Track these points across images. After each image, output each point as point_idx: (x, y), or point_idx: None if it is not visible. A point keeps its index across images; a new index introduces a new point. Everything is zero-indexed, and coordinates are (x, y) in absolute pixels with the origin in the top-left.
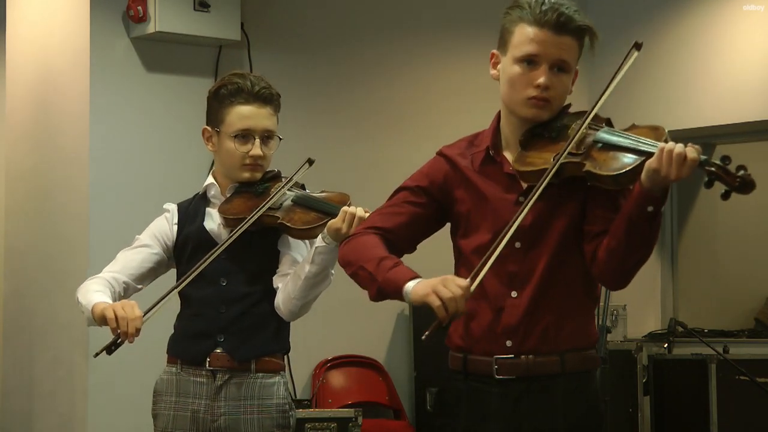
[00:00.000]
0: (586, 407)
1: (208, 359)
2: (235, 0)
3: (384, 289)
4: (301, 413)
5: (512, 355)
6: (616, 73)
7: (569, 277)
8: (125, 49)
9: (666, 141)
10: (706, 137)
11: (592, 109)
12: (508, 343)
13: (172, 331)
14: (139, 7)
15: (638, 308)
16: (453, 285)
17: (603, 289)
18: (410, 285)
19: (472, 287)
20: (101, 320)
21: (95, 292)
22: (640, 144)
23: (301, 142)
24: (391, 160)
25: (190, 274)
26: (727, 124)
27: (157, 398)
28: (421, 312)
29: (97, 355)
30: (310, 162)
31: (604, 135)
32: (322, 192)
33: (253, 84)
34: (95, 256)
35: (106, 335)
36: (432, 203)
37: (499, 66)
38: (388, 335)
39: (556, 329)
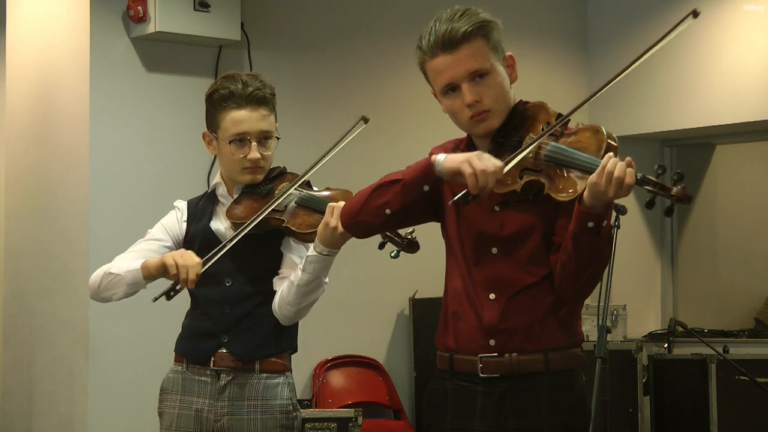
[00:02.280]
0: (571, 406)
1: (212, 359)
2: (235, 0)
3: (409, 181)
4: (301, 413)
5: (496, 354)
6: (654, 43)
7: (550, 280)
8: (125, 49)
9: (608, 145)
10: (706, 137)
11: (551, 127)
12: (492, 342)
13: (173, 332)
14: (139, 7)
15: (638, 308)
16: (488, 160)
17: (603, 289)
18: (440, 157)
19: (505, 168)
20: (160, 269)
21: (130, 261)
22: (592, 164)
23: (301, 142)
24: (392, 158)
25: (240, 232)
26: (727, 124)
27: (163, 396)
28: (421, 312)
29: (156, 299)
30: (365, 120)
31: (555, 151)
32: (326, 189)
33: (245, 86)
34: (95, 255)
35: (106, 334)
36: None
37: (440, 102)
38: (388, 335)
39: (540, 328)
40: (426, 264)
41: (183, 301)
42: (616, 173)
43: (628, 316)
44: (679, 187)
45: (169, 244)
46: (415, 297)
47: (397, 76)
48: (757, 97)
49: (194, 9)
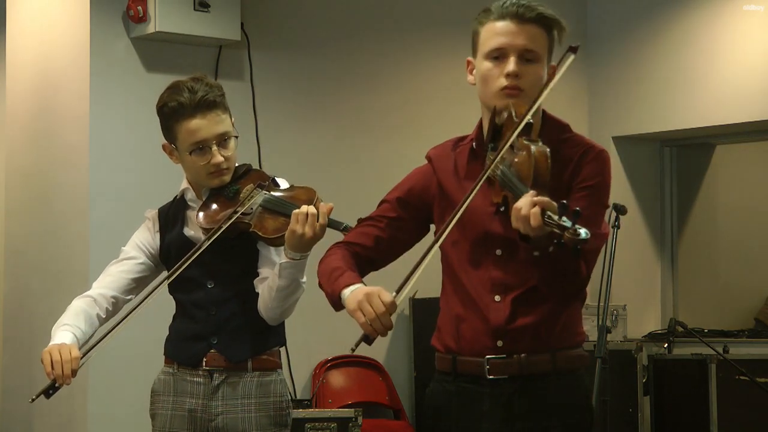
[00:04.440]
0: (577, 406)
1: (204, 359)
2: (235, 0)
3: (333, 300)
4: (301, 413)
5: (504, 355)
6: (551, 78)
7: None
8: (125, 49)
9: (534, 173)
10: (706, 137)
11: (527, 112)
12: (499, 343)
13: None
14: (139, 7)
15: (638, 308)
16: (377, 302)
17: (603, 289)
18: (345, 293)
19: (398, 301)
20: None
21: (63, 326)
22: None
23: (300, 142)
24: (391, 158)
25: (145, 299)
26: (727, 124)
27: (155, 398)
28: (421, 312)
29: (33, 400)
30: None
31: (505, 175)
32: (291, 187)
33: (192, 93)
34: (95, 256)
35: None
36: (411, 215)
37: (474, 71)
38: (388, 335)
39: (547, 328)
40: (426, 264)
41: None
42: (522, 212)
43: (628, 316)
44: (571, 230)
45: (143, 260)
46: (415, 297)
47: (397, 76)
48: (757, 97)
49: (194, 9)
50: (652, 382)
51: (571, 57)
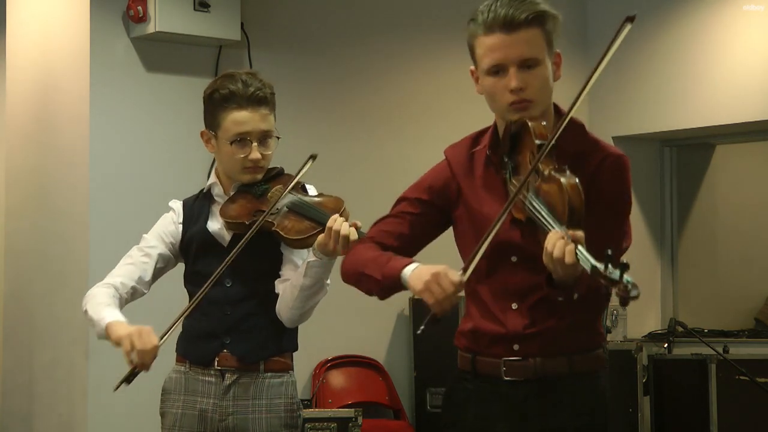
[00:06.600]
0: (593, 407)
1: (216, 359)
2: (235, 0)
3: (386, 284)
4: (303, 412)
5: (520, 358)
6: (608, 48)
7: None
8: (125, 49)
9: (569, 210)
10: (706, 137)
11: (569, 111)
12: (516, 346)
13: (173, 332)
14: (139, 7)
15: (638, 308)
16: (446, 282)
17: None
18: (407, 272)
19: (465, 277)
20: (117, 345)
21: (105, 307)
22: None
23: (300, 142)
24: (392, 158)
25: (200, 293)
26: (727, 124)
27: (165, 396)
28: (420, 312)
29: (117, 388)
30: (313, 158)
31: (533, 205)
32: (319, 195)
33: (245, 86)
34: (95, 256)
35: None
36: (432, 212)
37: (479, 81)
38: (388, 335)
39: (563, 332)
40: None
41: (184, 300)
42: (555, 254)
43: (628, 316)
44: (621, 285)
45: (164, 250)
46: (416, 297)
47: (397, 75)
48: (757, 97)
49: (194, 9)
50: (652, 382)
51: (628, 27)
